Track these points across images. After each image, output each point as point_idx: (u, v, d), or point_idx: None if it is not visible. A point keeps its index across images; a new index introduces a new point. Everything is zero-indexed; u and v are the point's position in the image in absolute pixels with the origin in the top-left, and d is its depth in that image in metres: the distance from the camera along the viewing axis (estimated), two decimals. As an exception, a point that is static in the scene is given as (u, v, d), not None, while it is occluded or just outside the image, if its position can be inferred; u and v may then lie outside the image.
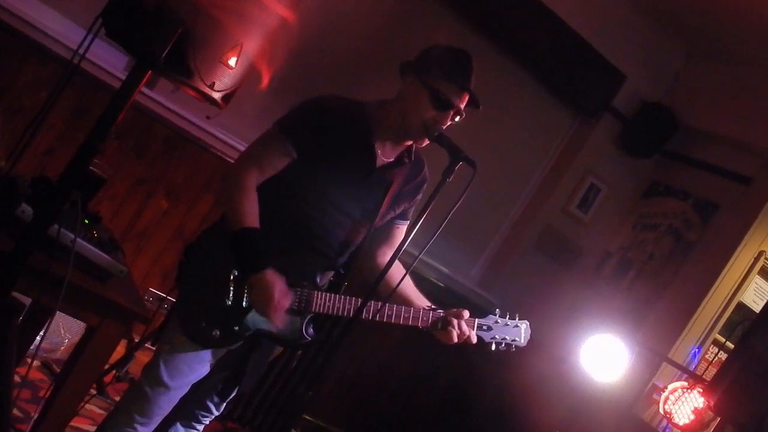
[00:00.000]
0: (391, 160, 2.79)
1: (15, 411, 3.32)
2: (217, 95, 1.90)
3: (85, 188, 2.42)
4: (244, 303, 2.61)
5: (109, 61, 4.08)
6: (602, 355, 4.39)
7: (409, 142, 2.79)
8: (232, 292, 2.60)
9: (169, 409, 2.72)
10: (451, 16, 5.10)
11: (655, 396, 4.75)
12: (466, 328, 2.79)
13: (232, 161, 4.47)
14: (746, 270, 5.00)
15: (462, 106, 2.74)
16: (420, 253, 2.71)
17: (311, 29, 4.57)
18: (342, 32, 4.84)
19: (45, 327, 3.22)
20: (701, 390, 3.98)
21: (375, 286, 2.62)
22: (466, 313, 2.82)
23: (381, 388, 5.23)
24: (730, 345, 4.89)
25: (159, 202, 4.47)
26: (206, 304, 2.62)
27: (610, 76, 5.58)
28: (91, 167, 1.89)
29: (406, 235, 2.80)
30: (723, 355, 4.89)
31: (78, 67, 1.95)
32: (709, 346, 5.09)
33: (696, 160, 5.49)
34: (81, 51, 1.89)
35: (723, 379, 3.64)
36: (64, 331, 4.04)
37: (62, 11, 4.13)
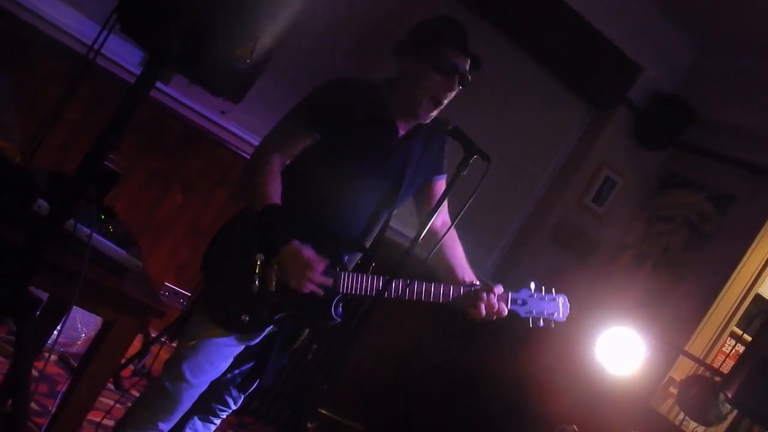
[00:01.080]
0: (405, 133, 2.80)
1: (33, 405, 3.35)
2: (232, 90, 1.90)
3: (101, 183, 2.43)
4: (273, 287, 2.57)
5: (124, 56, 4.09)
6: (618, 348, 4.37)
7: (417, 121, 2.79)
8: (258, 278, 2.56)
9: (190, 405, 2.73)
10: (464, 8, 5.08)
11: (671, 389, 4.74)
12: (495, 301, 2.72)
13: (247, 156, 4.49)
14: (763, 262, 4.96)
15: (467, 68, 2.73)
16: (435, 246, 2.73)
17: (327, 23, 4.58)
18: (357, 26, 4.84)
19: (62, 321, 3.23)
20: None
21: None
22: (499, 288, 2.77)
23: (396, 380, 5.23)
24: (748, 337, 4.86)
25: (174, 196, 4.49)
26: (233, 291, 2.61)
27: (625, 67, 5.54)
28: (106, 162, 1.90)
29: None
30: (740, 348, 4.87)
31: (93, 62, 1.95)
32: (726, 338, 5.07)
33: (711, 151, 5.45)
34: (96, 46, 1.90)
35: (740, 372, 3.62)
36: (81, 326, 4.07)
37: (78, 7, 4.15)
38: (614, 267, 5.71)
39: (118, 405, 3.77)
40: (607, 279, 5.64)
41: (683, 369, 4.84)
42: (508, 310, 2.77)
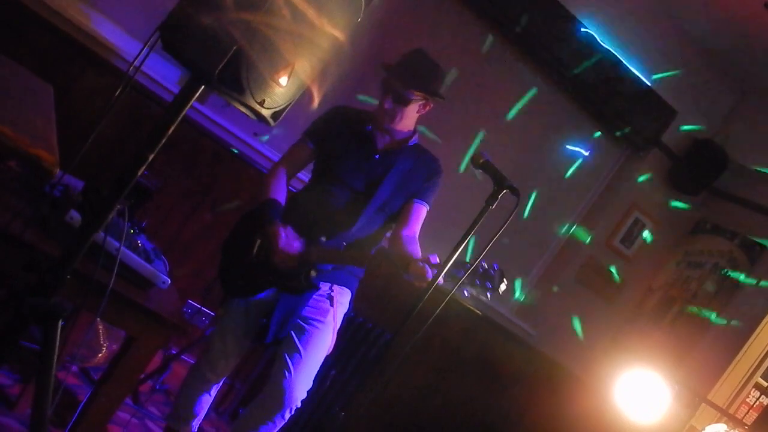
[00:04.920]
0: (388, 144, 3.36)
1: (51, 415, 3.36)
2: (266, 112, 1.92)
3: (133, 198, 2.46)
4: (262, 258, 3.18)
5: (163, 74, 4.15)
6: (641, 393, 4.32)
7: (401, 134, 3.37)
8: (255, 252, 3.22)
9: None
10: (500, 45, 5.11)
11: (692, 438, 4.66)
12: (423, 265, 2.87)
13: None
14: (792, 313, 4.90)
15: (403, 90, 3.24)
16: (462, 277, 2.75)
17: (361, 49, 4.62)
18: (390, 53, 4.87)
19: (85, 333, 3.26)
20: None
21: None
22: (435, 257, 2.89)
23: (415, 414, 5.20)
24: (773, 390, 4.79)
25: (204, 215, 4.52)
26: (235, 262, 3.31)
27: (661, 111, 5.53)
28: (140, 178, 1.92)
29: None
30: (764, 400, 4.79)
31: (133, 78, 1.98)
32: (751, 389, 4.99)
33: (745, 199, 5.40)
34: (137, 63, 1.93)
35: (765, 424, 3.57)
36: (103, 339, 4.09)
37: (121, 24, 4.22)
38: (640, 310, 5.65)
39: (134, 420, 3.78)
40: (633, 322, 5.59)
41: (705, 418, 4.76)
42: (441, 281, 2.79)
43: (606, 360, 5.12)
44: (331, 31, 1.91)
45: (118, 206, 1.89)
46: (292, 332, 3.25)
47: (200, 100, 4.25)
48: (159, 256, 2.70)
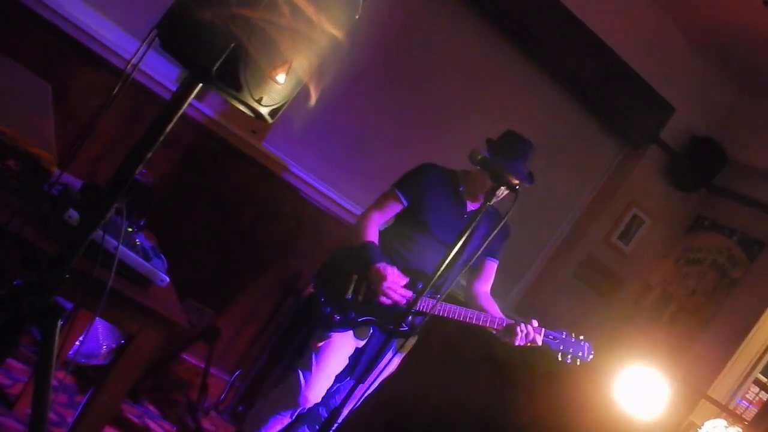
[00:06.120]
0: (475, 208, 3.51)
1: (51, 414, 3.36)
2: (264, 110, 1.91)
3: (132, 196, 2.45)
4: (360, 297, 3.43)
5: (161, 72, 4.14)
6: (640, 389, 4.32)
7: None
8: (352, 289, 3.44)
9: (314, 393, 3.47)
10: (501, 44, 5.11)
11: (692, 434, 4.67)
12: (530, 330, 3.35)
13: (276, 174, 4.53)
14: (791, 309, 4.90)
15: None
16: (460, 271, 2.91)
17: (360, 48, 4.61)
18: (391, 52, 4.87)
19: (84, 332, 3.25)
20: (741, 430, 3.90)
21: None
22: (535, 322, 3.40)
23: (413, 410, 5.19)
24: (773, 385, 4.79)
25: (203, 213, 4.52)
26: (332, 298, 3.47)
27: (659, 107, 5.53)
28: (138, 176, 1.91)
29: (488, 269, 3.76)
30: (764, 396, 4.80)
31: (131, 76, 1.97)
32: (750, 384, 5.00)
33: (744, 196, 5.40)
34: (135, 61, 1.92)
35: (764, 420, 3.57)
36: (102, 338, 4.08)
37: (118, 22, 4.21)
38: (638, 307, 5.65)
39: (135, 419, 3.78)
40: (631, 319, 5.59)
41: (704, 413, 4.77)
42: (543, 341, 3.38)
43: (605, 356, 5.11)
44: (329, 29, 1.90)
45: (117, 204, 1.89)
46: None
47: (198, 97, 4.26)
48: (157, 254, 2.69)
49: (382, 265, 3.37)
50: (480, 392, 5.20)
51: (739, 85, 5.63)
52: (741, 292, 5.07)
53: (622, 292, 5.75)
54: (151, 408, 4.00)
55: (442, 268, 2.99)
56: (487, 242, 3.03)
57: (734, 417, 4.26)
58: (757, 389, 5.01)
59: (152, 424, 3.88)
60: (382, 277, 3.34)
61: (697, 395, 4.69)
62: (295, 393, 3.47)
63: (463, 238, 3.01)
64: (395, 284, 3.37)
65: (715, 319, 5.10)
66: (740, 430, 3.81)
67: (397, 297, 3.38)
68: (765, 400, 4.22)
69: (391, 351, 3.41)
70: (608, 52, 5.23)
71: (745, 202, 5.36)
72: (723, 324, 5.04)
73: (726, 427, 3.89)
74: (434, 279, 3.02)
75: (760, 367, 4.95)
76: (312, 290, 3.63)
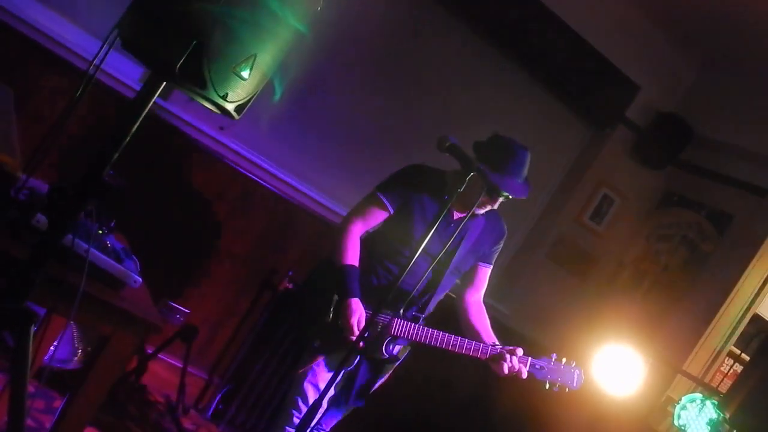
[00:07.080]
0: (464, 214, 3.19)
1: (29, 421, 3.33)
2: (230, 106, 1.90)
3: (100, 198, 2.43)
4: (339, 322, 3.20)
5: (125, 71, 4.11)
6: (616, 367, 4.35)
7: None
8: (332, 313, 3.24)
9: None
10: (465, 26, 5.12)
11: (669, 408, 4.72)
12: (516, 363, 3.25)
13: (246, 172, 4.51)
14: (762, 281, 4.96)
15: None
16: (434, 262, 2.88)
17: (325, 42, 4.60)
18: (355, 45, 4.86)
19: (59, 337, 3.22)
20: (717, 402, 3.95)
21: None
22: (520, 351, 3.29)
23: (395, 394, 5.20)
24: (746, 357, 4.85)
25: (173, 212, 4.49)
26: (313, 321, 3.30)
27: (624, 86, 5.57)
28: (105, 177, 1.90)
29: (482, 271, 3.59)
30: (738, 368, 4.86)
31: (94, 77, 1.96)
32: (725, 358, 5.06)
33: (710, 170, 5.46)
34: (97, 62, 1.90)
35: (739, 392, 3.62)
36: (77, 342, 4.05)
37: (79, 23, 4.17)
38: (612, 285, 5.70)
39: (114, 421, 3.76)
40: (606, 297, 5.64)
41: (681, 388, 4.82)
42: (528, 373, 3.31)
43: (581, 336, 5.15)
44: (292, 21, 1.90)
45: (85, 207, 1.87)
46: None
47: (163, 96, 4.24)
48: (129, 255, 2.67)
49: (354, 301, 3.21)
50: (461, 375, 5.22)
51: (702, 61, 5.68)
52: (712, 265, 5.12)
53: (595, 272, 5.80)
54: (131, 409, 3.98)
55: (421, 285, 2.99)
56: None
57: (710, 390, 4.31)
58: (731, 361, 5.08)
59: (132, 426, 3.86)
60: (352, 313, 3.18)
61: (673, 371, 4.75)
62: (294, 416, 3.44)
63: (445, 249, 3.04)
64: (361, 323, 3.20)
65: (688, 294, 5.16)
66: (716, 402, 3.85)
67: (352, 336, 3.21)
68: (739, 372, 4.28)
69: (382, 377, 3.47)
70: (571, 32, 5.25)
71: (712, 176, 5.42)
72: (696, 298, 5.09)
73: (702, 400, 3.94)
74: (410, 299, 3.11)
75: (734, 339, 5.02)
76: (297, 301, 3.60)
